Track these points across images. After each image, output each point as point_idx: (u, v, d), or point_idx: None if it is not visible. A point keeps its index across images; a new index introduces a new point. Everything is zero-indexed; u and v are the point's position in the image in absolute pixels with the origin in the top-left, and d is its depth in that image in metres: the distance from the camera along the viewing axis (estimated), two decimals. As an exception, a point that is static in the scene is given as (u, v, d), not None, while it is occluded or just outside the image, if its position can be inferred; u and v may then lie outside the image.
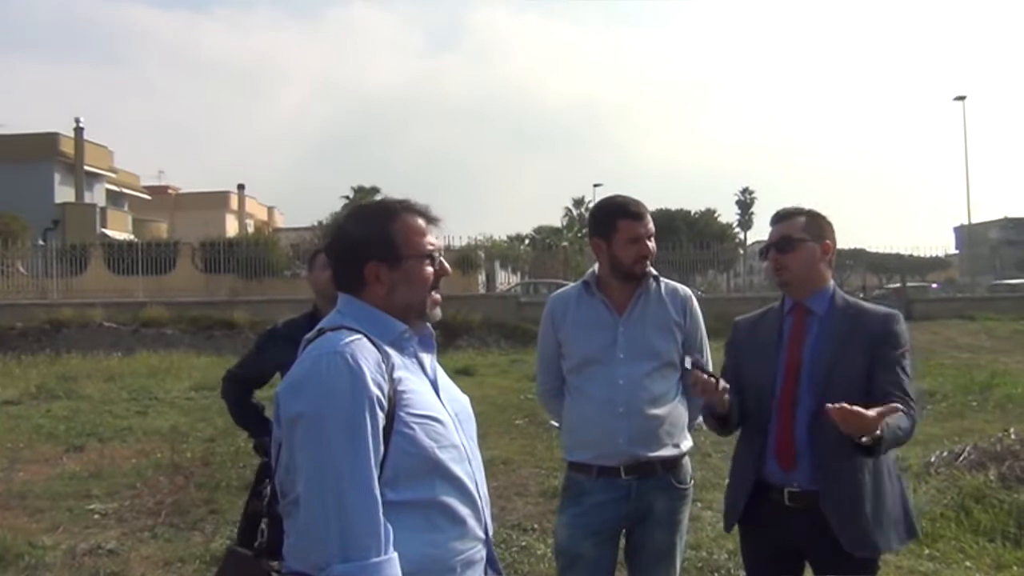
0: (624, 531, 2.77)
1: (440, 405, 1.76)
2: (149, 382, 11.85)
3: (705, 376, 2.40)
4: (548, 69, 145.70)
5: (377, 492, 1.58)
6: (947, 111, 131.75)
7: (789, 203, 2.62)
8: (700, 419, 2.78)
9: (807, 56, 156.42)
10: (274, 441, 1.71)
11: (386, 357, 1.67)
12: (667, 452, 2.70)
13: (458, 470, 1.72)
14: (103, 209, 36.93)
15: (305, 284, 3.51)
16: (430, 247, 1.80)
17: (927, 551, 4.48)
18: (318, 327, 1.75)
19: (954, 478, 5.49)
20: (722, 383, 2.42)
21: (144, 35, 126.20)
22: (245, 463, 6.44)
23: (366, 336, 1.68)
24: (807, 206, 2.60)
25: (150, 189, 46.24)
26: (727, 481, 2.80)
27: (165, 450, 7.26)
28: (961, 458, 5.88)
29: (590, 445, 2.73)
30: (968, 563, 4.35)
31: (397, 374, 1.67)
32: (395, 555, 1.57)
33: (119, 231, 35.99)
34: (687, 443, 2.79)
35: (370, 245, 1.76)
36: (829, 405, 2.10)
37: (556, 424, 2.99)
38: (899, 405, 2.26)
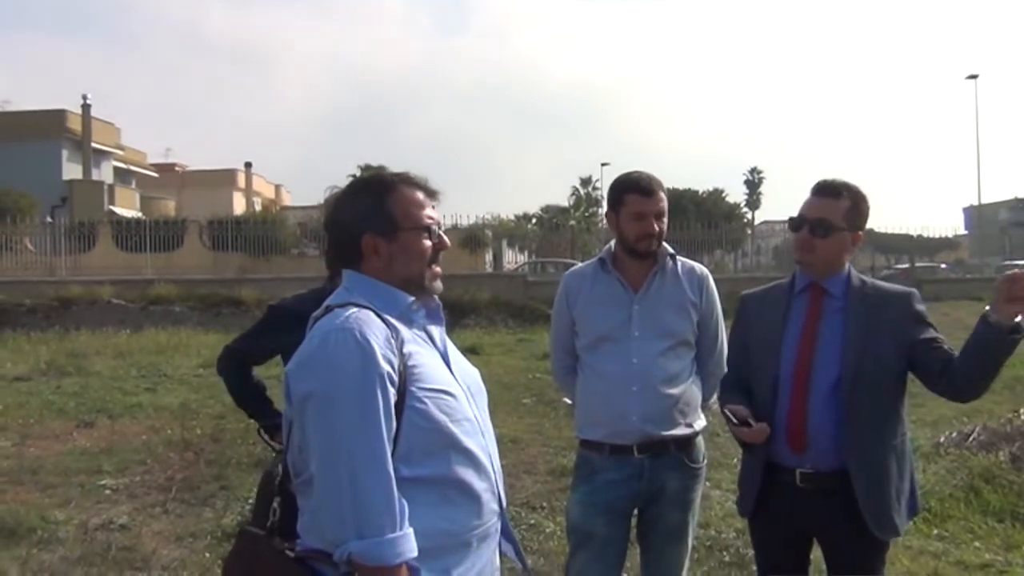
0: (636, 510, 2.76)
1: (452, 378, 1.74)
2: (158, 359, 11.91)
3: (751, 425, 2.37)
4: (557, 47, 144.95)
5: (390, 468, 1.57)
6: (959, 90, 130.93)
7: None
8: (714, 398, 2.75)
9: (819, 34, 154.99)
10: (285, 420, 1.70)
11: (395, 331, 1.65)
12: (680, 431, 2.67)
13: (472, 443, 1.70)
14: (111, 186, 36.98)
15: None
16: (428, 219, 1.77)
17: (936, 531, 4.48)
18: (325, 304, 1.72)
19: (964, 458, 5.47)
20: (762, 426, 2.38)
21: (152, 12, 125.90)
22: (255, 440, 6.42)
23: (374, 311, 1.65)
24: (852, 181, 2.45)
25: (157, 167, 46.25)
26: (734, 461, 2.77)
27: (175, 426, 7.29)
28: (971, 439, 5.87)
29: (603, 423, 2.70)
30: (977, 543, 4.35)
31: (407, 348, 1.65)
32: (410, 531, 1.57)
33: (127, 208, 36.04)
34: (700, 422, 2.77)
35: (367, 217, 1.74)
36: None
37: (570, 402, 2.97)
38: None
